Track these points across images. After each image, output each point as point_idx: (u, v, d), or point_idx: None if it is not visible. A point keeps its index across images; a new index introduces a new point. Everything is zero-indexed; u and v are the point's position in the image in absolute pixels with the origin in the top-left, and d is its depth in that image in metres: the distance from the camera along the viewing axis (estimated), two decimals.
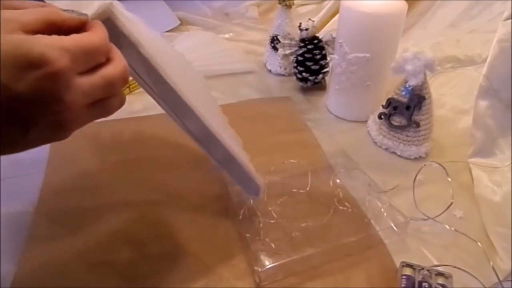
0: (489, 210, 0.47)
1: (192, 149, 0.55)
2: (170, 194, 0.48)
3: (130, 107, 0.64)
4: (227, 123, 0.45)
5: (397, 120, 0.55)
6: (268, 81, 0.76)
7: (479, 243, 0.42)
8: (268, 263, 0.38)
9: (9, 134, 0.24)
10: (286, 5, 0.73)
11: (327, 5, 0.94)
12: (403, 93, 0.53)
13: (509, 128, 0.54)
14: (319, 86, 0.72)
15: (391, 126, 0.55)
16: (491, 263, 0.40)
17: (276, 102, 0.68)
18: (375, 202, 0.47)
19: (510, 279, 0.39)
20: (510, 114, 0.54)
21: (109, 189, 0.48)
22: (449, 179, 0.46)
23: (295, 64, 0.69)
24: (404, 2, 0.56)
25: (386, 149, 0.57)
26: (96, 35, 0.25)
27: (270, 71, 0.78)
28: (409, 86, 0.52)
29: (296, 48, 0.69)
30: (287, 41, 0.70)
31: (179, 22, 0.96)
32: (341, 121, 0.64)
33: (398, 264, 0.39)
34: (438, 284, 0.37)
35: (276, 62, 0.76)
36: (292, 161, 0.51)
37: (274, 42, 0.74)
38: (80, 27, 0.26)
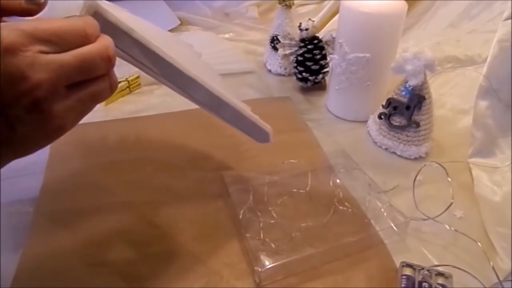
0: (489, 210, 0.47)
1: (192, 149, 0.55)
2: (170, 194, 0.48)
3: (130, 107, 0.64)
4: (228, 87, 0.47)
5: (397, 120, 0.55)
6: (268, 81, 0.76)
7: (479, 243, 0.42)
8: (268, 263, 0.38)
9: None
10: (286, 5, 0.73)
11: (327, 5, 0.94)
12: (403, 93, 0.53)
13: (509, 128, 0.54)
14: (319, 86, 0.72)
15: (391, 126, 0.55)
16: (491, 263, 0.40)
17: (276, 102, 0.68)
18: (375, 202, 0.47)
19: (510, 279, 0.39)
20: (510, 114, 0.54)
21: (109, 189, 0.48)
22: (449, 179, 0.46)
23: (295, 64, 0.69)
24: (404, 2, 0.56)
25: (386, 149, 0.57)
26: (69, 21, 0.26)
27: (270, 71, 0.78)
28: (409, 86, 0.52)
29: (296, 48, 0.69)
30: (287, 41, 0.70)
31: (179, 22, 0.96)
32: (341, 121, 0.64)
33: (398, 264, 0.39)
34: (438, 284, 0.37)
35: (276, 62, 0.76)
36: (292, 161, 0.51)
37: (274, 42, 0.74)
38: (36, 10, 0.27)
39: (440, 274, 0.38)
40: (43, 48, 0.24)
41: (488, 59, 0.53)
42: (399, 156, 0.56)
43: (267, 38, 0.78)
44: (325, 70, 0.70)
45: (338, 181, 0.50)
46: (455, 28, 0.85)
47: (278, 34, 0.73)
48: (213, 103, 0.39)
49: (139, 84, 0.70)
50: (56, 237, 0.42)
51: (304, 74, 0.69)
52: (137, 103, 0.66)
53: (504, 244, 0.42)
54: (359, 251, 0.41)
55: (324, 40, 0.68)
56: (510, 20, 0.51)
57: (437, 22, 0.88)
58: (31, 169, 0.50)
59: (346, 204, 0.46)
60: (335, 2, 0.91)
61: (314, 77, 0.69)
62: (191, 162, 0.53)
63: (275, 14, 0.76)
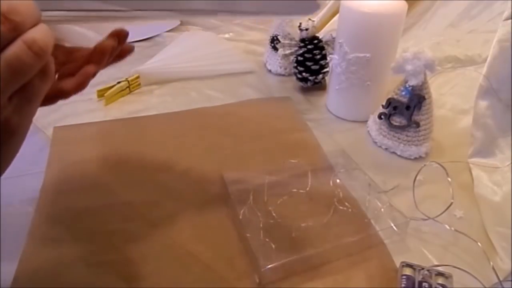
0: (489, 210, 0.47)
1: (192, 149, 0.55)
2: (170, 194, 0.48)
3: (130, 107, 0.64)
4: None
5: (397, 120, 0.55)
6: (268, 81, 0.76)
7: (479, 243, 0.42)
8: (268, 263, 0.38)
9: None
10: None
11: (327, 5, 0.94)
12: (403, 93, 0.53)
13: (509, 128, 0.54)
14: (319, 86, 0.72)
15: (391, 126, 0.55)
16: (491, 263, 0.40)
17: (276, 102, 0.68)
18: (375, 202, 0.47)
19: (510, 279, 0.39)
20: (510, 114, 0.54)
21: (109, 189, 0.48)
22: (449, 179, 0.46)
23: (295, 64, 0.69)
24: (404, 2, 0.56)
25: (386, 149, 0.57)
26: None
27: (270, 71, 0.78)
28: (409, 86, 0.52)
29: (296, 48, 0.69)
30: (287, 41, 0.70)
31: (179, 22, 0.96)
32: (341, 121, 0.64)
33: (398, 264, 0.39)
34: (438, 284, 0.37)
35: (276, 62, 0.76)
36: (292, 161, 0.51)
37: (274, 42, 0.74)
38: None
39: (440, 274, 0.38)
40: None
41: (488, 59, 0.53)
42: (399, 156, 0.56)
43: (267, 38, 0.78)
44: (325, 70, 0.70)
45: (338, 181, 0.50)
46: (455, 28, 0.85)
47: (278, 34, 0.73)
48: None
49: (139, 84, 0.70)
50: (56, 237, 0.42)
51: (304, 74, 0.69)
52: (137, 103, 0.66)
53: (504, 244, 0.42)
54: (359, 251, 0.41)
55: (324, 40, 0.68)
56: (510, 20, 0.51)
57: (437, 22, 0.88)
58: (31, 169, 0.50)
59: (346, 204, 0.46)
60: (335, 2, 0.91)
61: (314, 77, 0.69)
62: (191, 162, 0.53)
63: None
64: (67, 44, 0.35)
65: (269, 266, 0.38)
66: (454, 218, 0.46)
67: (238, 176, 0.49)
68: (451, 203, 0.44)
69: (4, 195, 0.46)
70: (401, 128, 0.54)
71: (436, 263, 0.41)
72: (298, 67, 0.69)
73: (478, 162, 0.53)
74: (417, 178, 0.48)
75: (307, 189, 0.48)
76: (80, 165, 0.52)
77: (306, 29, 0.67)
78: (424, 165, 0.49)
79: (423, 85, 0.52)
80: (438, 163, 0.47)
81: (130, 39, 0.36)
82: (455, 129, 0.62)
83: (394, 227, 0.43)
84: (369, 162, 0.54)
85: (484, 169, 0.52)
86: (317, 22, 0.89)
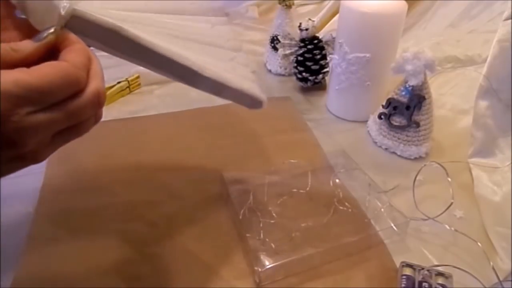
0: (489, 210, 0.47)
1: (192, 149, 0.55)
2: (170, 194, 0.48)
3: (130, 107, 0.64)
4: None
5: (397, 120, 0.55)
6: (268, 81, 0.76)
7: (479, 243, 0.42)
8: (268, 263, 0.38)
9: None
10: (286, 5, 0.73)
11: (327, 5, 0.94)
12: (403, 93, 0.53)
13: (509, 128, 0.54)
14: (319, 86, 0.72)
15: (391, 126, 0.55)
16: (491, 263, 0.40)
17: (276, 102, 0.68)
18: (375, 202, 0.47)
19: (510, 279, 0.39)
20: (510, 114, 0.54)
21: (109, 189, 0.48)
22: (449, 179, 0.46)
23: (295, 64, 0.69)
24: (404, 2, 0.56)
25: (386, 149, 0.57)
26: (57, 69, 0.22)
27: (270, 71, 0.78)
28: (409, 86, 0.52)
29: (296, 48, 0.69)
30: (287, 41, 0.70)
31: None
32: (341, 121, 0.64)
33: (398, 264, 0.39)
34: (438, 284, 0.37)
35: (276, 62, 0.76)
36: (292, 161, 0.51)
37: (274, 42, 0.74)
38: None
39: (440, 274, 0.38)
40: (31, 109, 0.22)
41: (488, 59, 0.53)
42: (399, 156, 0.56)
43: (267, 38, 0.78)
44: (325, 70, 0.70)
45: (338, 181, 0.50)
46: (455, 28, 0.85)
47: (278, 34, 0.73)
48: (217, 89, 0.36)
49: (139, 84, 0.70)
50: (56, 237, 0.42)
51: (304, 74, 0.69)
52: (137, 103, 0.66)
53: (504, 244, 0.42)
54: (359, 251, 0.41)
55: (324, 40, 0.68)
56: (510, 20, 0.51)
57: (437, 22, 0.88)
58: (31, 169, 0.50)
59: (346, 204, 0.46)
60: (335, 2, 0.91)
61: (314, 77, 0.69)
62: (191, 162, 0.53)
63: (275, 14, 0.76)
64: None
65: (269, 266, 0.38)
66: (454, 218, 0.46)
67: (238, 176, 0.49)
68: (451, 203, 0.44)
69: (4, 195, 0.46)
70: (401, 128, 0.54)
71: (436, 263, 0.41)
72: (298, 67, 0.69)
73: (478, 162, 0.53)
74: (417, 178, 0.48)
75: (307, 189, 0.48)
76: (80, 165, 0.52)
77: (306, 29, 0.67)
78: (424, 165, 0.49)
79: (423, 85, 0.52)
80: (438, 163, 0.47)
81: None
82: (455, 129, 0.62)
83: (394, 227, 0.43)
84: (369, 162, 0.54)
85: (484, 169, 0.52)
86: (317, 22, 0.89)
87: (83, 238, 0.42)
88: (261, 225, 0.43)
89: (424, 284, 0.37)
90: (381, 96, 0.59)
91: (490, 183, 0.50)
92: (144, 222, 0.44)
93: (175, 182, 0.49)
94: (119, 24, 0.27)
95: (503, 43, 0.51)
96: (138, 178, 0.50)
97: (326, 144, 0.57)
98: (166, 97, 0.68)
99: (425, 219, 0.45)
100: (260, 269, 0.37)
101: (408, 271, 0.38)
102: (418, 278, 0.38)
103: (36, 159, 0.25)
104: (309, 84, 0.70)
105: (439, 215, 0.44)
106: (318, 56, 0.68)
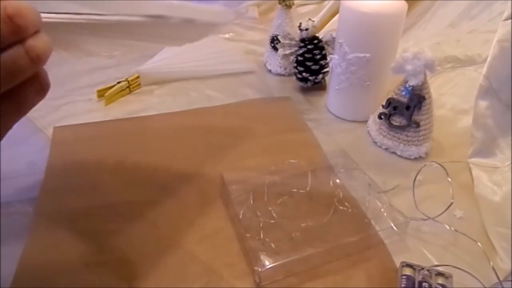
0: (489, 210, 0.47)
1: (192, 149, 0.55)
2: (170, 194, 0.48)
3: (130, 107, 0.64)
4: None
5: (397, 120, 0.55)
6: (268, 81, 0.76)
7: (479, 243, 0.42)
8: (268, 263, 0.38)
9: None
10: (286, 5, 0.73)
11: (327, 5, 0.94)
12: (403, 93, 0.53)
13: (509, 128, 0.54)
14: (319, 86, 0.72)
15: (391, 126, 0.55)
16: (491, 263, 0.40)
17: (276, 102, 0.68)
18: (375, 202, 0.47)
19: (510, 279, 0.39)
20: (510, 114, 0.54)
21: (109, 189, 0.48)
22: (449, 179, 0.46)
23: (295, 64, 0.69)
24: (404, 2, 0.56)
25: (386, 149, 0.57)
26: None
27: (270, 71, 0.78)
28: (409, 86, 0.52)
29: (296, 48, 0.69)
30: (287, 41, 0.70)
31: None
32: (341, 121, 0.64)
33: (398, 264, 0.39)
34: (438, 284, 0.37)
35: (276, 62, 0.76)
36: (292, 161, 0.51)
37: (274, 42, 0.74)
38: None
39: (440, 274, 0.38)
40: None
41: (488, 59, 0.53)
42: (399, 156, 0.56)
43: (267, 38, 0.78)
44: (325, 70, 0.70)
45: (338, 181, 0.50)
46: (455, 28, 0.85)
47: (278, 34, 0.73)
48: None
49: (139, 84, 0.70)
50: (56, 237, 0.42)
51: (304, 74, 0.69)
52: (137, 103, 0.66)
53: (504, 244, 0.42)
54: (359, 251, 0.41)
55: (324, 40, 0.68)
56: (510, 20, 0.51)
57: (437, 22, 0.88)
58: (31, 169, 0.50)
59: (346, 204, 0.46)
60: (335, 2, 0.91)
61: (314, 77, 0.69)
62: (191, 162, 0.53)
63: (275, 14, 0.76)
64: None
65: (269, 266, 0.38)
66: (454, 218, 0.46)
67: (238, 176, 0.49)
68: (451, 203, 0.44)
69: (4, 195, 0.46)
70: (401, 128, 0.54)
71: (436, 263, 0.41)
72: (298, 67, 0.69)
73: (478, 162, 0.53)
74: (417, 178, 0.48)
75: (307, 189, 0.48)
76: (80, 165, 0.52)
77: (306, 29, 0.67)
78: (424, 165, 0.49)
79: (423, 85, 0.52)
80: (438, 163, 0.47)
81: None
82: (455, 129, 0.62)
83: (394, 227, 0.43)
84: (369, 162, 0.54)
85: (484, 169, 0.52)
86: (317, 22, 0.89)
87: (83, 238, 0.42)
88: (261, 225, 0.43)
89: (424, 284, 0.37)
90: (381, 96, 0.59)
91: (490, 183, 0.50)
92: (144, 222, 0.44)
93: (175, 182, 0.49)
94: None
95: (503, 43, 0.51)
96: (138, 178, 0.50)
97: (326, 144, 0.57)
98: (166, 97, 0.68)
99: (425, 219, 0.45)
100: (260, 269, 0.37)
101: (408, 271, 0.38)
102: (418, 278, 0.38)
103: None
104: (309, 84, 0.70)
105: (439, 215, 0.44)
106: (318, 56, 0.68)
